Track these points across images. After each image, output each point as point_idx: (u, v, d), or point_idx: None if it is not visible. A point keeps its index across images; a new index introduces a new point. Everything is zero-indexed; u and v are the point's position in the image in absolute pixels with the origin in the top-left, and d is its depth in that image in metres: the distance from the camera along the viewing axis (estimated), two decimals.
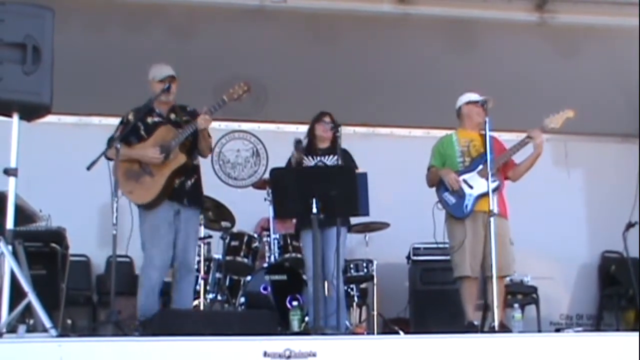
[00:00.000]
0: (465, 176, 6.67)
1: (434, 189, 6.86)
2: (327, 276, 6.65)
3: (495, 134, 6.74)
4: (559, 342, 5.15)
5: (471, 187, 6.62)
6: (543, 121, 6.73)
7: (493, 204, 6.30)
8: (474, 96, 6.81)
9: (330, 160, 6.92)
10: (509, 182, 6.88)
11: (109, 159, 6.27)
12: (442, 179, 6.73)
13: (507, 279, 7.05)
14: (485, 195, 6.42)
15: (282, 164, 6.97)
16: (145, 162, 6.39)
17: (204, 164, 6.94)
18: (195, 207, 6.67)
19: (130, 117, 6.52)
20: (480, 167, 6.57)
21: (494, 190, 6.47)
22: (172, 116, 6.61)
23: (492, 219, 6.19)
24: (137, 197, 6.38)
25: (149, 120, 6.53)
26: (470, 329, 6.42)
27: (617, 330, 8.81)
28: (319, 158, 7.04)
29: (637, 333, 4.89)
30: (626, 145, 9.92)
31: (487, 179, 6.39)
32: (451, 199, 6.69)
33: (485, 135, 6.45)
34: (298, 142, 6.99)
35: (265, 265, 7.65)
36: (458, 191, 6.65)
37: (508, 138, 7.31)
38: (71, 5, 7.28)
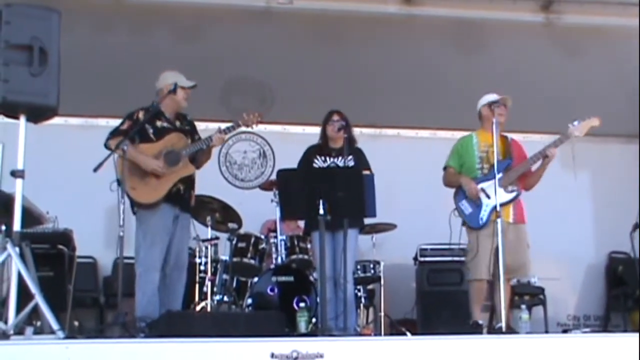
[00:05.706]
0: (484, 184, 6.63)
1: (442, 190, 6.88)
2: (338, 278, 6.66)
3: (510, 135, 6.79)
4: (566, 343, 5.13)
5: (489, 196, 6.58)
6: (567, 129, 6.69)
7: (509, 214, 6.46)
8: (492, 97, 6.77)
9: (343, 162, 6.87)
10: None
11: (109, 148, 6.28)
12: (462, 187, 6.73)
13: (514, 280, 7.06)
14: (502, 205, 6.41)
15: (288, 165, 6.96)
16: (148, 172, 6.42)
17: (211, 165, 6.97)
18: (188, 213, 6.75)
19: (141, 115, 6.54)
20: (500, 175, 6.52)
21: (512, 200, 6.51)
22: (178, 123, 6.71)
23: (499, 226, 6.20)
24: (139, 194, 6.37)
25: (158, 123, 6.59)
26: (476, 328, 6.41)
27: (625, 331, 8.78)
28: (331, 159, 7.02)
29: None
30: (633, 147, 9.88)
31: (501, 186, 6.46)
32: (468, 208, 6.68)
33: (502, 137, 6.57)
34: None
35: (272, 266, 7.63)
36: (476, 201, 6.64)
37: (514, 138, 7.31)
38: (78, 7, 7.28)
